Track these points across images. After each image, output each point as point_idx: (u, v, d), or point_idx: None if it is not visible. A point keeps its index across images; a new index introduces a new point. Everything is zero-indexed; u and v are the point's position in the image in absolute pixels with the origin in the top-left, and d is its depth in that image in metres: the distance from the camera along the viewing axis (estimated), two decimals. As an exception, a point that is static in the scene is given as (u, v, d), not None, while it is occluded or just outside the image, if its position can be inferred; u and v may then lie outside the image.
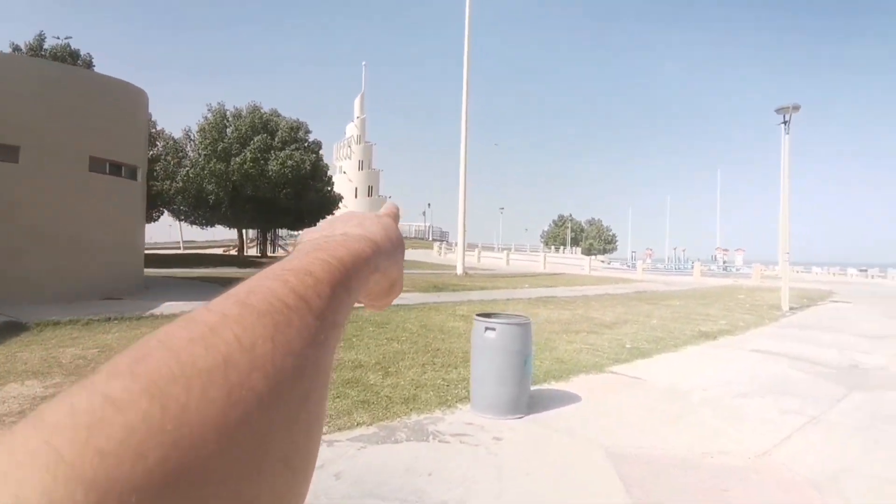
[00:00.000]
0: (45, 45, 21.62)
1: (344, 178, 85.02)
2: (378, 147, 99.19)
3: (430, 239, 67.37)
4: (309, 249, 0.33)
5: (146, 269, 20.33)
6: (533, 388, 5.32)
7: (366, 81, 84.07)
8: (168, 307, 10.10)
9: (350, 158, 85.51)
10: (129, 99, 12.39)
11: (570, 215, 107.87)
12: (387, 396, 4.76)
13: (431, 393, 4.95)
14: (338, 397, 4.60)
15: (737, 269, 41.90)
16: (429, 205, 67.96)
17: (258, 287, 0.27)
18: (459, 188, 21.51)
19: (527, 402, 4.63)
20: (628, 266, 42.21)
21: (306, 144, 27.86)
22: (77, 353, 5.86)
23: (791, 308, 13.63)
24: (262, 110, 23.88)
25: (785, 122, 13.47)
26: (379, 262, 0.37)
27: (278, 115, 26.05)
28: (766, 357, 7.33)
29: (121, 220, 11.92)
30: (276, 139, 22.30)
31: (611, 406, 4.85)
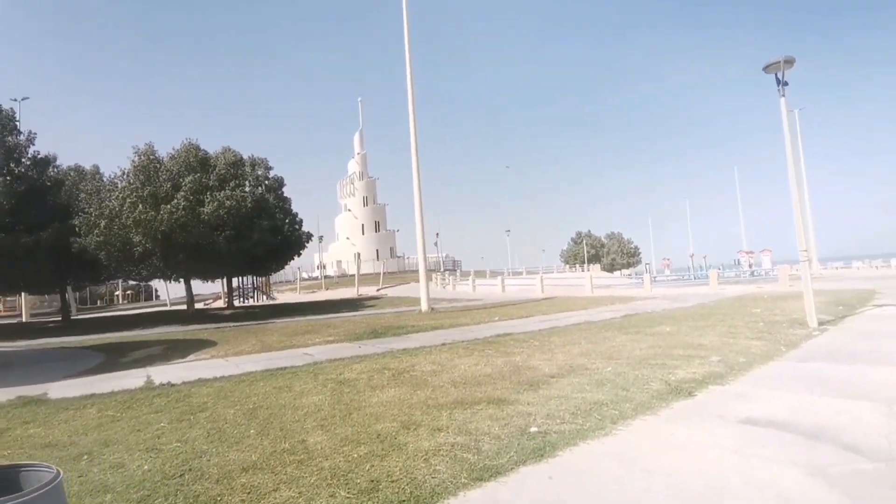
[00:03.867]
0: None
1: (349, 215, 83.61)
2: (381, 181, 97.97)
3: (443, 269, 64.58)
4: None
5: (85, 337, 17.71)
6: None
7: (363, 117, 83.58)
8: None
9: (354, 195, 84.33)
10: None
11: (588, 231, 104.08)
12: None
13: None
14: None
15: (765, 273, 37.75)
16: (437, 234, 65.54)
17: None
18: (416, 217, 18.82)
19: None
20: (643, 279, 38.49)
21: (266, 182, 25.69)
22: None
23: (820, 323, 10.28)
24: (198, 148, 21.71)
25: (779, 83, 10.39)
26: None
27: (229, 151, 23.97)
28: (761, 439, 4.21)
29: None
30: (213, 177, 19.96)
31: None
